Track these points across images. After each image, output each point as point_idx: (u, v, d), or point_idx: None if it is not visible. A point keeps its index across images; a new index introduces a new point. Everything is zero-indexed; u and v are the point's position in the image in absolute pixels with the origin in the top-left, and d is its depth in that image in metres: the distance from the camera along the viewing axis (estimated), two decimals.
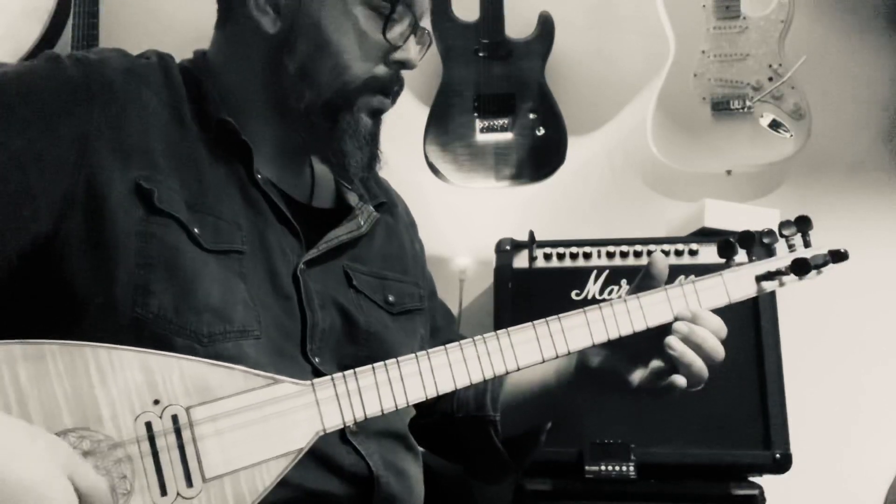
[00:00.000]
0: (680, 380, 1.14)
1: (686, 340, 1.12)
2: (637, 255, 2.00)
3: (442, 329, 1.40)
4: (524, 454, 1.34)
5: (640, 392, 1.18)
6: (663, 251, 1.98)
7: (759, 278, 1.20)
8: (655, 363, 1.16)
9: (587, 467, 1.81)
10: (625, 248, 2.00)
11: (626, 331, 1.12)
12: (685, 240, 2.03)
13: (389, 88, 1.19)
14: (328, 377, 0.97)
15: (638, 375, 1.17)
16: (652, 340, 1.14)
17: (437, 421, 1.34)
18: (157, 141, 1.06)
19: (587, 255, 2.02)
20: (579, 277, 2.00)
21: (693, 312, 1.14)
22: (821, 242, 1.23)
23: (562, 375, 1.26)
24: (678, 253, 2.00)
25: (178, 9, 2.57)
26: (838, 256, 1.21)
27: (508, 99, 2.32)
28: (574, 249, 2.02)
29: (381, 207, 1.32)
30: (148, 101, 1.08)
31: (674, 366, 1.13)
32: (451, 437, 1.36)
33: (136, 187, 1.01)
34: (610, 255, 2.01)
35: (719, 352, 1.14)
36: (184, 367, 0.91)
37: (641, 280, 1.18)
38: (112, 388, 0.87)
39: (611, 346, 1.16)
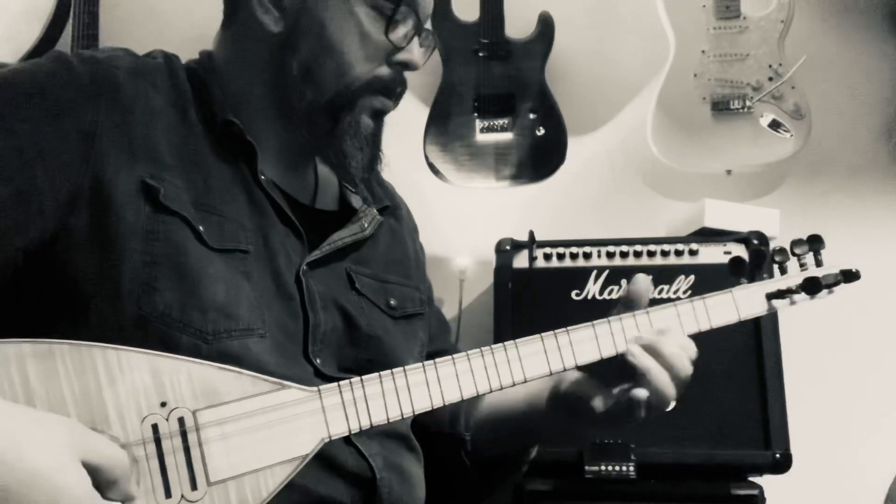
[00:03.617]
0: (640, 392, 1.11)
1: (646, 348, 1.11)
2: (637, 255, 1.99)
3: (436, 337, 1.39)
4: (499, 478, 1.33)
5: (602, 419, 1.15)
6: (663, 251, 1.99)
7: (770, 296, 1.20)
8: (621, 385, 1.14)
9: (587, 467, 1.81)
10: (625, 248, 2.00)
11: None
12: (685, 240, 2.03)
13: (392, 89, 1.19)
14: (335, 384, 0.97)
15: (601, 401, 1.14)
16: (620, 364, 1.13)
17: (414, 433, 1.32)
18: (163, 140, 1.06)
19: (587, 255, 2.02)
20: (579, 277, 2.00)
21: (658, 330, 1.12)
22: None
23: (535, 401, 1.25)
24: (678, 253, 1.99)
25: (177, 9, 2.57)
26: (850, 276, 1.21)
27: (508, 99, 2.32)
28: (574, 249, 2.02)
29: (385, 211, 1.31)
30: (154, 100, 1.08)
31: (637, 383, 1.12)
32: (425, 452, 1.34)
33: (142, 185, 1.01)
34: (610, 255, 2.01)
35: (684, 367, 1.12)
36: (192, 369, 0.91)
37: (623, 306, 1.16)
38: (120, 389, 0.87)
39: (587, 370, 1.15)
